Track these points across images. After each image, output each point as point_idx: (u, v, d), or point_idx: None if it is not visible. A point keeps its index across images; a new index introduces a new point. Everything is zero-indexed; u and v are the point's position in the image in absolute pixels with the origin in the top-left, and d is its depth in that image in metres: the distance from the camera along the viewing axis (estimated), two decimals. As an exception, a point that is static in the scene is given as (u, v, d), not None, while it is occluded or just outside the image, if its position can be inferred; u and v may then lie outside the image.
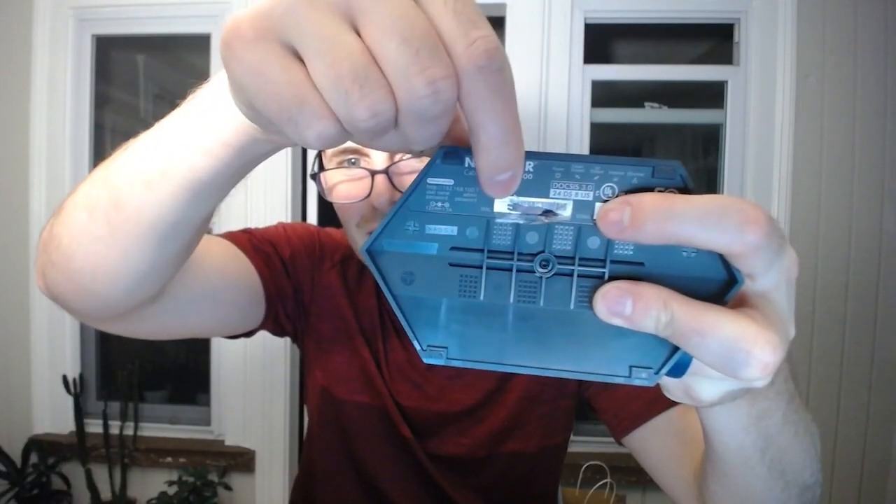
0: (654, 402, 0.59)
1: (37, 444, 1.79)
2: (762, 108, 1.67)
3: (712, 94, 1.75)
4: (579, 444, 1.71)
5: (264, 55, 0.20)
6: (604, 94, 1.77)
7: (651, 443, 0.59)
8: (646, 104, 1.80)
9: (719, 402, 0.27)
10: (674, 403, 0.57)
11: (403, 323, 0.25)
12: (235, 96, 0.24)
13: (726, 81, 1.72)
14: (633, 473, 1.65)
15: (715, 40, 1.82)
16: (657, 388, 0.61)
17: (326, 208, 1.82)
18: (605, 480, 1.47)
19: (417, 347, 0.25)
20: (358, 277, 0.74)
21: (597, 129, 1.75)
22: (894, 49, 1.62)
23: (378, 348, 0.71)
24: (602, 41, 1.81)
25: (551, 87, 1.68)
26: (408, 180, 0.58)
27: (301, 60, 0.20)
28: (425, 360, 0.25)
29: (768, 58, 1.66)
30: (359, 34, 0.20)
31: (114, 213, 0.36)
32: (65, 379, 1.78)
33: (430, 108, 0.19)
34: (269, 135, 0.27)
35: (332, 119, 0.20)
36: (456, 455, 0.69)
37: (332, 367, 0.72)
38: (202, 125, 0.31)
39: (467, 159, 0.24)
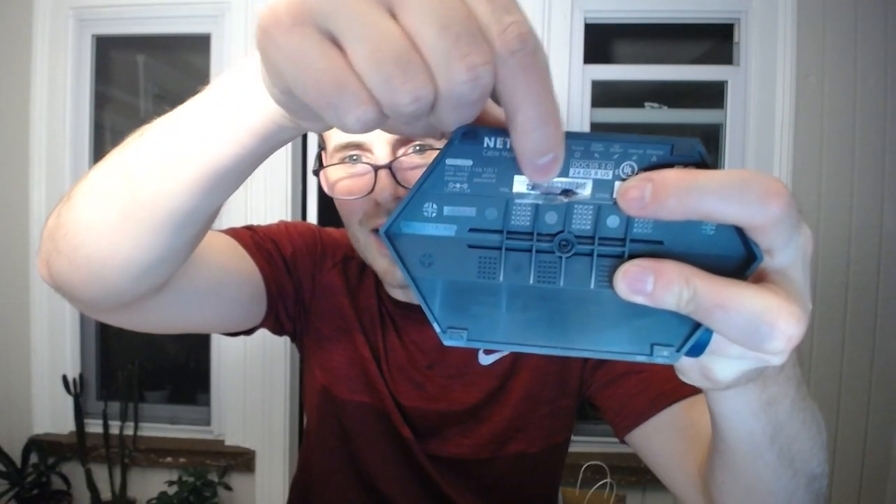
0: (658, 399, 0.58)
1: (37, 444, 1.79)
2: (762, 108, 1.67)
3: (712, 94, 1.75)
4: (579, 444, 1.71)
5: (303, 41, 0.20)
6: (604, 94, 1.77)
7: (654, 439, 0.59)
8: (646, 104, 1.80)
9: (734, 384, 0.27)
10: (677, 399, 0.57)
11: (423, 305, 0.25)
12: (272, 82, 0.24)
13: (726, 81, 1.72)
14: (633, 473, 1.65)
15: (715, 40, 1.82)
16: (659, 385, 0.60)
17: (326, 207, 1.82)
18: (605, 480, 1.47)
19: (437, 329, 0.25)
20: (359, 277, 0.74)
21: (597, 130, 1.75)
22: (894, 49, 1.62)
23: (378, 347, 0.70)
24: (602, 41, 1.81)
25: (551, 88, 1.68)
26: (411, 175, 0.58)
27: (338, 47, 0.20)
28: (445, 342, 0.25)
29: (768, 58, 1.66)
30: (396, 21, 0.20)
31: (128, 201, 0.36)
32: (65, 379, 1.78)
33: (468, 94, 0.20)
34: (299, 121, 0.27)
35: (373, 104, 0.20)
36: (458, 456, 0.69)
37: (333, 367, 0.72)
38: (228, 113, 0.31)
39: (486, 139, 0.24)
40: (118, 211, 0.36)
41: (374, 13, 0.20)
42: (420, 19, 0.19)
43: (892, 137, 1.64)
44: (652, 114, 1.80)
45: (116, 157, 0.37)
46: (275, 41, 0.21)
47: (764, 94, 1.67)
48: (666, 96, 1.80)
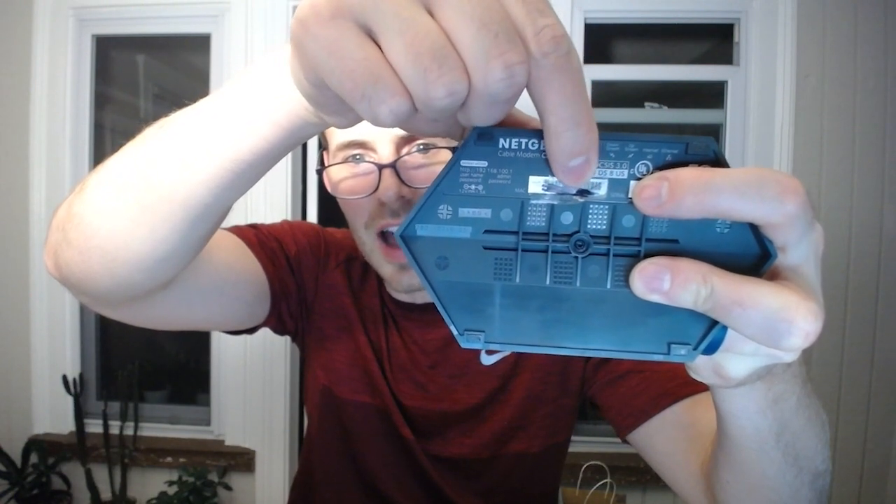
0: (660, 398, 0.58)
1: (37, 444, 1.79)
2: (762, 108, 1.67)
3: (712, 94, 1.75)
4: (579, 444, 1.71)
5: (340, 33, 0.21)
6: (604, 94, 1.77)
7: (657, 438, 0.59)
8: (646, 104, 1.80)
9: (745, 381, 0.27)
10: (679, 398, 0.57)
11: (439, 308, 0.25)
12: (304, 75, 0.24)
13: (726, 81, 1.72)
14: (633, 473, 1.65)
15: (715, 40, 1.82)
16: (661, 384, 0.60)
17: (327, 207, 1.82)
18: (605, 480, 1.47)
19: (454, 332, 0.25)
20: (362, 277, 0.74)
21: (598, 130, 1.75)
22: (894, 49, 1.62)
23: (381, 348, 0.70)
24: (602, 41, 1.81)
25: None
26: (415, 174, 0.58)
27: (374, 42, 0.21)
28: (463, 345, 0.25)
29: (768, 58, 1.66)
30: (433, 17, 0.20)
31: (146, 192, 0.36)
32: (65, 379, 1.78)
33: (503, 92, 0.20)
34: (325, 116, 0.27)
35: (406, 96, 0.20)
36: (460, 456, 0.69)
37: (334, 367, 0.72)
38: (253, 105, 0.31)
39: (501, 140, 0.24)
40: (135, 202, 0.36)
41: (413, 9, 0.20)
42: (459, 16, 0.20)
43: (892, 137, 1.64)
44: (652, 114, 1.80)
45: (134, 149, 0.37)
46: (312, 33, 0.21)
47: (764, 94, 1.67)
48: (666, 96, 1.80)
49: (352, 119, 0.26)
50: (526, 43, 0.20)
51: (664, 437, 0.57)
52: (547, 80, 0.20)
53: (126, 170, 0.37)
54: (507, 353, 0.68)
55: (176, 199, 0.35)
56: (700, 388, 0.56)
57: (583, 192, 0.24)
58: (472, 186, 0.24)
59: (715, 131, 1.77)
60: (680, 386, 0.57)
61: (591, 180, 0.24)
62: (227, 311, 0.61)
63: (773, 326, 0.21)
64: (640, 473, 1.65)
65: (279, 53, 0.29)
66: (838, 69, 1.64)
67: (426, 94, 0.20)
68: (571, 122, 0.21)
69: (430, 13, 0.20)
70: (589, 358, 0.67)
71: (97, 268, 0.40)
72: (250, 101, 0.31)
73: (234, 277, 0.59)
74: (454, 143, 0.27)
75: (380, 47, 0.21)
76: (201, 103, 0.34)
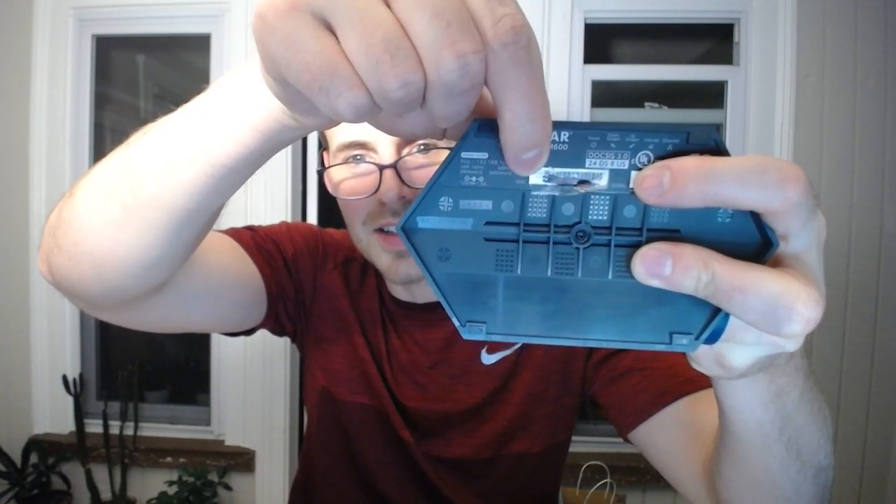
0: (661, 396, 0.58)
1: (37, 444, 1.79)
2: (762, 108, 1.67)
3: (712, 94, 1.75)
4: (579, 444, 1.71)
5: (297, 25, 0.20)
6: (604, 94, 1.77)
7: (658, 437, 0.58)
8: (646, 104, 1.80)
9: (748, 372, 0.27)
10: (680, 395, 0.57)
11: (441, 299, 0.25)
12: (266, 70, 0.24)
13: (726, 81, 1.72)
14: (633, 473, 1.65)
15: (715, 40, 1.82)
16: (662, 381, 0.60)
17: (326, 208, 1.82)
18: (605, 480, 1.47)
19: (456, 323, 0.25)
20: (360, 278, 0.73)
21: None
22: (894, 49, 1.62)
23: (380, 349, 0.70)
24: (602, 41, 1.81)
25: (551, 88, 1.68)
26: (416, 174, 0.58)
27: (333, 33, 0.20)
28: (465, 336, 0.25)
29: (768, 58, 1.66)
30: (389, 8, 0.20)
31: (130, 198, 0.36)
32: (65, 379, 1.78)
33: (458, 83, 0.19)
34: (299, 116, 0.27)
35: (364, 89, 0.20)
36: (461, 457, 0.68)
37: (333, 368, 0.72)
38: (230, 110, 0.31)
39: None
40: (120, 208, 0.36)
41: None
42: (412, 6, 0.19)
43: (892, 137, 1.64)
44: (652, 114, 1.80)
45: (119, 155, 0.37)
46: (270, 26, 0.21)
47: (764, 94, 1.67)
48: (666, 96, 1.80)
49: (325, 119, 0.26)
50: (483, 33, 0.19)
51: (665, 435, 0.57)
52: (504, 73, 0.20)
53: (111, 176, 0.37)
54: (508, 352, 0.68)
55: (159, 204, 0.35)
56: (701, 385, 0.56)
57: (584, 183, 0.24)
58: (473, 178, 0.24)
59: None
60: (681, 383, 0.57)
61: (592, 171, 0.24)
62: (224, 314, 0.61)
63: (774, 312, 0.21)
64: (640, 473, 1.65)
65: (257, 56, 0.29)
66: (838, 69, 1.64)
67: (380, 86, 0.20)
68: (526, 118, 0.21)
69: (387, 3, 0.20)
70: (590, 356, 0.67)
71: (87, 273, 0.40)
72: (228, 105, 0.31)
73: (230, 280, 0.59)
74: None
75: (338, 39, 0.20)
76: (184, 108, 0.34)
